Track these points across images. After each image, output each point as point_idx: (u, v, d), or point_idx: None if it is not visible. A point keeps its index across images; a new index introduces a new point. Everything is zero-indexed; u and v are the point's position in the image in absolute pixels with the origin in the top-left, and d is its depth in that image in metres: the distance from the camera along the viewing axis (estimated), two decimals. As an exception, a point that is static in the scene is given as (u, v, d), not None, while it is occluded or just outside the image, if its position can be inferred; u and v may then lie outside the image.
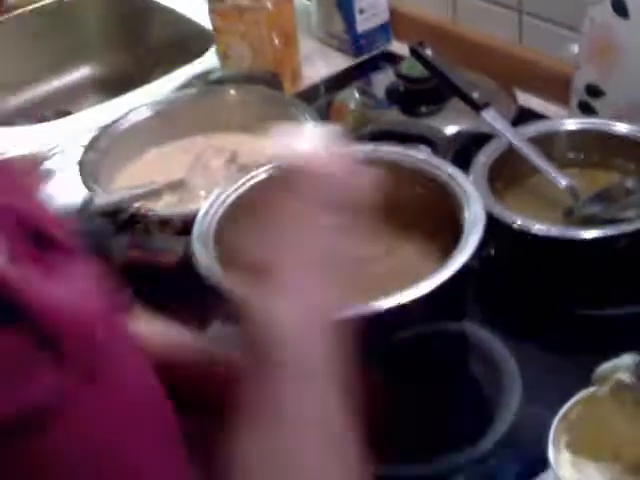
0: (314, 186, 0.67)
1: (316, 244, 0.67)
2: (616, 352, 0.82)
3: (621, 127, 1.07)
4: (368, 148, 0.98)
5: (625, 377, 0.75)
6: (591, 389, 0.78)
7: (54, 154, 1.28)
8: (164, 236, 1.00)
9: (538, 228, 0.95)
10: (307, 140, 0.70)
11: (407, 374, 0.86)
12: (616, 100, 1.15)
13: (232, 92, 1.23)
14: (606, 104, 1.16)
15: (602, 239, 0.93)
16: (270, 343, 0.61)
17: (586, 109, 1.18)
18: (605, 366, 0.78)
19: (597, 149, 1.08)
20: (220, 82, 1.24)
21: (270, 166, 0.96)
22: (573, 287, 0.99)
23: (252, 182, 0.96)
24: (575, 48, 1.20)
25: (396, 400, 0.86)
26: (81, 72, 1.74)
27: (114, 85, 1.62)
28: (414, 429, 0.86)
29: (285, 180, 0.67)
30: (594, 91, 1.16)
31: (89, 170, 1.12)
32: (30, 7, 1.68)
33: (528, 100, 1.28)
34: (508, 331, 0.95)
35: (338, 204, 0.68)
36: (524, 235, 0.95)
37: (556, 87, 1.25)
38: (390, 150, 0.96)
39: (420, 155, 0.96)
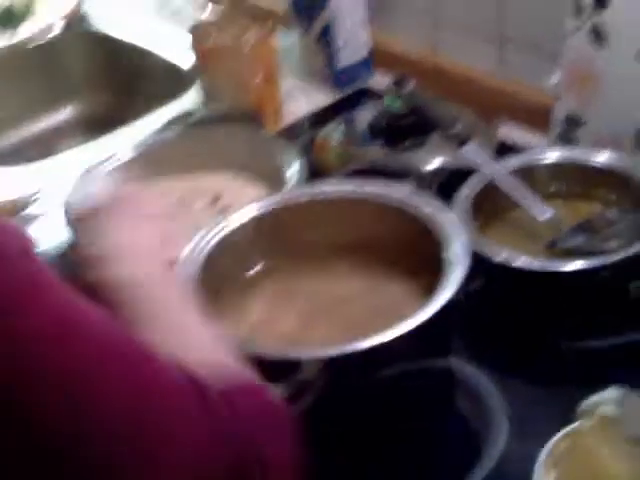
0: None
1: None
2: (602, 384, 0.82)
3: (602, 157, 1.08)
4: (351, 186, 0.98)
5: (610, 411, 0.75)
6: (577, 423, 0.78)
7: (37, 198, 1.29)
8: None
9: (521, 261, 0.95)
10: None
11: (393, 411, 0.86)
12: (597, 130, 1.15)
13: (215, 131, 1.23)
14: (587, 134, 1.16)
15: (585, 271, 0.94)
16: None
17: (567, 139, 1.19)
18: (590, 400, 0.78)
19: (579, 180, 1.09)
20: (203, 121, 1.24)
21: (252, 208, 0.97)
22: (557, 319, 0.99)
23: (235, 224, 0.96)
24: (555, 78, 1.21)
25: (383, 437, 0.86)
26: (65, 112, 1.74)
27: (98, 125, 1.62)
28: (401, 466, 0.86)
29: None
30: (575, 121, 1.17)
31: (73, 212, 1.12)
32: (14, 48, 1.68)
33: (509, 131, 1.29)
34: (494, 365, 0.95)
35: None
36: (508, 269, 0.96)
37: (537, 118, 1.26)
38: (372, 188, 0.97)
39: (403, 191, 0.96)
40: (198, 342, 0.71)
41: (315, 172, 1.19)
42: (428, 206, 0.93)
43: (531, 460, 0.78)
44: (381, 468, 0.86)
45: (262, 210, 0.97)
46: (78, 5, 1.75)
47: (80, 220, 0.86)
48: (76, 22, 1.74)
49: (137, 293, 0.74)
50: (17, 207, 1.28)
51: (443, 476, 0.88)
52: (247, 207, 0.98)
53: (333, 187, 0.99)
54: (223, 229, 0.95)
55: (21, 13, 1.71)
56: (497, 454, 0.86)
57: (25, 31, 1.68)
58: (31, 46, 1.69)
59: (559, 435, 0.78)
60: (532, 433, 0.84)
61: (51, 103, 1.72)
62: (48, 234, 1.21)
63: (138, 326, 0.69)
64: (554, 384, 0.93)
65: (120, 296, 0.73)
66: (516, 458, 0.85)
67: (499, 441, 0.86)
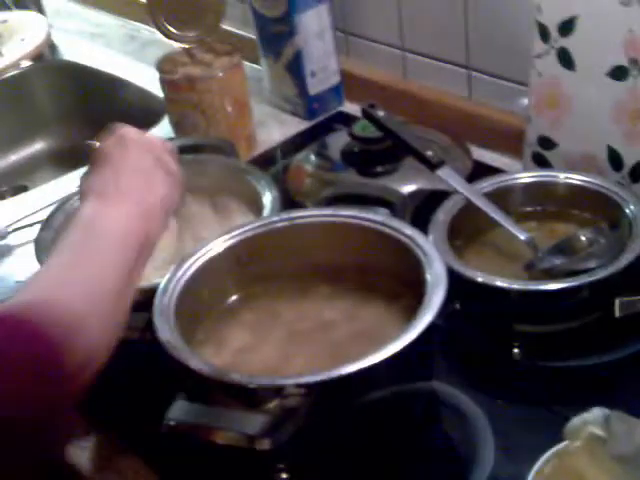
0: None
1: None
2: (586, 403, 0.82)
3: (575, 178, 1.08)
4: (327, 212, 0.98)
5: (597, 431, 0.75)
6: (564, 443, 0.78)
7: (10, 232, 1.28)
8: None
9: (502, 282, 0.95)
10: None
11: (376, 437, 0.85)
12: (569, 151, 1.16)
13: (188, 161, 1.22)
14: (559, 155, 1.17)
15: (566, 290, 0.94)
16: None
17: (540, 161, 1.19)
18: (576, 420, 0.78)
19: (553, 201, 1.09)
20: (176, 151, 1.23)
21: (228, 237, 0.97)
22: (539, 340, 0.99)
23: (212, 253, 0.96)
24: (525, 101, 1.21)
25: (366, 463, 0.85)
26: (36, 146, 1.74)
27: (69, 158, 1.61)
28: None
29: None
30: (546, 143, 1.18)
31: (45, 247, 1.11)
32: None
33: (482, 155, 1.30)
34: (477, 387, 0.95)
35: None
36: (489, 289, 0.96)
37: (509, 141, 1.27)
38: (349, 214, 0.97)
39: (378, 217, 0.96)
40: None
41: (289, 199, 1.19)
42: (404, 232, 0.93)
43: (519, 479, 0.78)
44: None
45: (239, 238, 0.97)
46: (47, 38, 1.74)
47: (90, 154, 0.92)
48: (45, 54, 1.74)
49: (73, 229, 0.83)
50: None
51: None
52: (224, 235, 0.97)
53: (310, 212, 0.99)
54: (200, 258, 0.95)
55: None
56: (484, 476, 0.85)
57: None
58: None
59: (547, 455, 0.77)
60: (518, 454, 0.84)
61: (21, 136, 1.71)
62: (22, 266, 1.21)
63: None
64: (538, 404, 0.93)
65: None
66: (505, 478, 0.84)
67: (486, 463, 0.86)
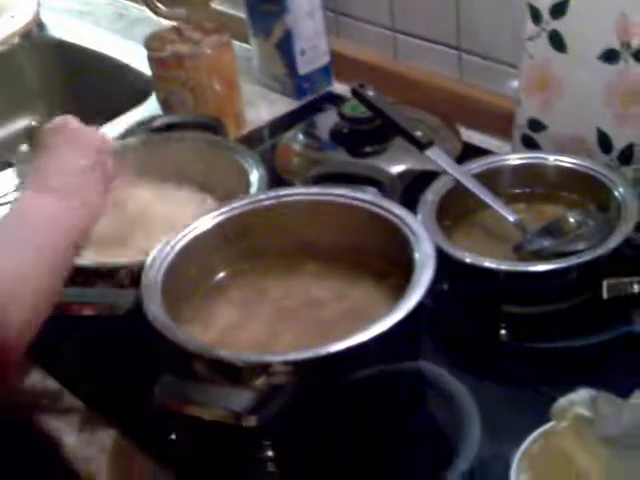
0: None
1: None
2: (573, 385, 0.82)
3: (564, 160, 1.08)
4: (315, 190, 0.98)
5: (584, 411, 0.75)
6: (551, 424, 0.78)
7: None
8: (111, 289, 0.99)
9: (491, 262, 0.95)
10: None
11: (363, 415, 0.85)
12: (558, 133, 1.16)
13: (176, 138, 1.21)
14: (548, 138, 1.17)
15: (554, 271, 0.94)
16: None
17: (529, 143, 1.19)
18: (562, 401, 0.78)
19: (542, 183, 1.09)
20: (164, 129, 1.23)
21: (216, 214, 0.96)
22: (526, 321, 0.99)
23: (200, 230, 0.95)
24: (515, 83, 1.21)
25: (353, 442, 0.85)
26: (22, 123, 1.72)
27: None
28: (372, 470, 0.85)
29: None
30: (536, 125, 1.18)
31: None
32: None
33: (472, 136, 1.29)
34: (464, 367, 0.95)
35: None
36: (477, 269, 0.96)
37: (499, 122, 1.26)
38: (337, 192, 0.96)
39: (367, 196, 0.95)
40: None
41: (277, 179, 1.19)
42: (393, 211, 0.93)
43: (505, 461, 0.78)
44: (352, 472, 0.85)
45: (227, 215, 0.96)
46: (36, 16, 1.73)
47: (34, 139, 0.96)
48: (33, 31, 1.72)
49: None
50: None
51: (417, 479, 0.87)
52: (211, 213, 0.97)
53: (298, 190, 0.98)
54: (187, 235, 0.94)
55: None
56: (471, 456, 0.85)
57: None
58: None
59: (533, 435, 0.77)
60: (505, 434, 0.84)
61: (10, 112, 1.70)
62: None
63: None
64: (525, 385, 0.93)
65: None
66: (490, 460, 0.84)
67: (472, 443, 0.86)
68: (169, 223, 1.03)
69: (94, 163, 0.94)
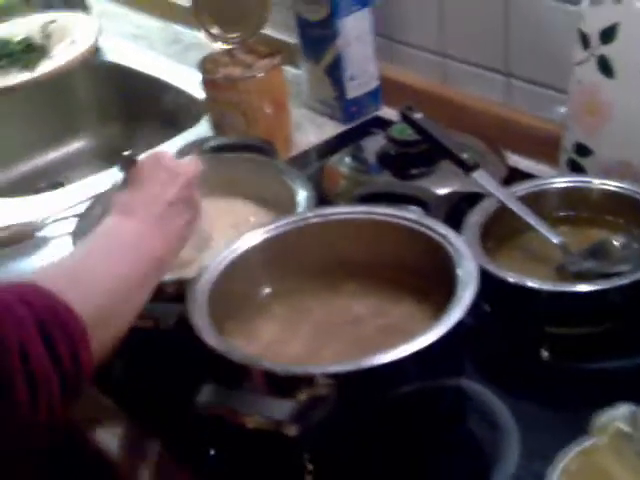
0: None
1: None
2: (611, 406, 0.81)
3: (609, 184, 1.09)
4: (360, 209, 0.99)
5: (624, 427, 0.75)
6: (590, 440, 0.78)
7: (48, 224, 1.29)
8: (157, 303, 1.00)
9: (534, 282, 0.95)
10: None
11: (402, 430, 0.86)
12: (605, 158, 1.16)
13: (227, 159, 1.24)
14: (595, 163, 1.17)
15: (597, 292, 0.94)
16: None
17: (575, 168, 1.19)
18: (602, 417, 0.78)
19: (586, 206, 1.09)
20: (215, 150, 1.25)
21: (263, 231, 0.98)
22: (568, 341, 0.99)
23: (246, 247, 0.97)
24: (562, 109, 1.22)
25: (391, 456, 0.86)
26: (75, 145, 1.76)
27: (108, 157, 1.64)
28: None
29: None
30: (583, 150, 1.18)
31: (81, 239, 1.12)
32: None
33: (518, 161, 1.30)
34: (504, 386, 0.95)
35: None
36: (520, 289, 0.96)
37: (544, 148, 1.27)
38: (382, 211, 0.97)
39: (412, 215, 0.96)
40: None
41: (324, 201, 1.20)
42: (437, 230, 0.94)
43: (544, 478, 0.78)
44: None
45: (272, 232, 0.98)
46: (95, 43, 1.75)
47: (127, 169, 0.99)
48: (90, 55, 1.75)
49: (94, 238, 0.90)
50: (32, 229, 1.29)
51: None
52: (258, 229, 0.98)
53: (344, 209, 1.00)
54: (234, 252, 0.96)
55: (40, 48, 1.72)
56: (508, 474, 0.85)
57: (43, 69, 1.68)
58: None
59: (572, 452, 0.77)
60: (543, 453, 0.84)
61: (63, 134, 1.74)
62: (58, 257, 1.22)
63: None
64: (565, 406, 0.93)
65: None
66: (529, 476, 0.84)
67: (511, 461, 0.86)
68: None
69: (181, 196, 0.96)
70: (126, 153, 1.03)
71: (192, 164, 1.02)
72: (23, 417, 0.72)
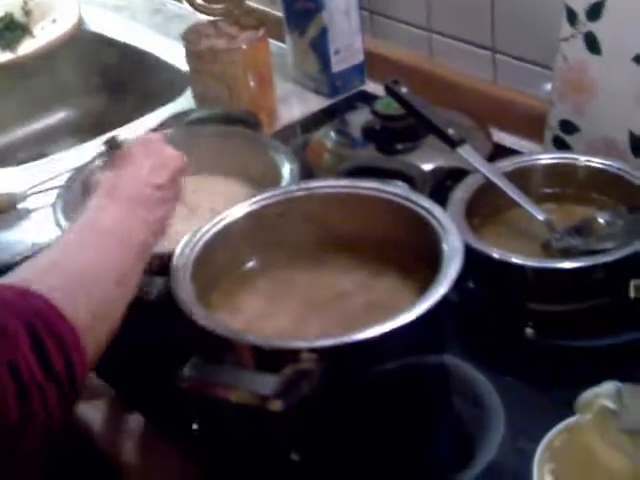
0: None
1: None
2: (596, 383, 0.82)
3: (595, 161, 1.08)
4: (345, 183, 0.98)
5: (608, 404, 0.75)
6: (574, 417, 0.78)
7: (30, 195, 1.29)
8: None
9: (517, 259, 0.95)
10: None
11: (386, 407, 0.85)
12: (590, 136, 1.16)
13: (210, 132, 1.23)
14: (581, 140, 1.17)
15: (582, 269, 0.94)
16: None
17: (561, 145, 1.19)
18: (587, 394, 0.78)
19: (572, 183, 1.09)
20: (198, 122, 1.24)
21: (247, 204, 0.97)
22: (552, 319, 0.99)
23: (229, 220, 0.96)
24: (548, 86, 1.21)
25: (375, 433, 0.86)
26: (57, 116, 1.75)
27: (91, 129, 1.62)
28: (394, 463, 0.86)
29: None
30: (568, 127, 1.18)
31: (62, 210, 1.11)
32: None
33: (503, 138, 1.29)
34: (488, 363, 0.95)
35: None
36: (504, 265, 0.96)
37: (530, 124, 1.27)
38: (367, 185, 0.97)
39: (397, 189, 0.96)
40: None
41: (308, 174, 1.19)
42: (422, 204, 0.93)
43: (528, 456, 0.78)
44: (374, 463, 0.85)
45: (257, 206, 0.97)
46: (77, 22, 1.73)
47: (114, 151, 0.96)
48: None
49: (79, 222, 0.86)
50: (14, 200, 1.28)
51: (438, 473, 0.87)
52: (242, 203, 0.98)
53: (329, 183, 0.99)
54: (217, 224, 0.95)
55: (21, 26, 1.70)
56: (494, 450, 0.85)
57: (25, 49, 1.67)
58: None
59: (556, 429, 0.77)
60: (528, 429, 0.84)
61: (45, 105, 1.72)
62: (39, 229, 1.23)
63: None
64: (549, 382, 0.93)
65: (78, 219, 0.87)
66: (513, 454, 0.85)
67: (496, 436, 0.86)
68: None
69: (169, 182, 0.93)
70: (113, 133, 1.02)
71: (180, 155, 0.98)
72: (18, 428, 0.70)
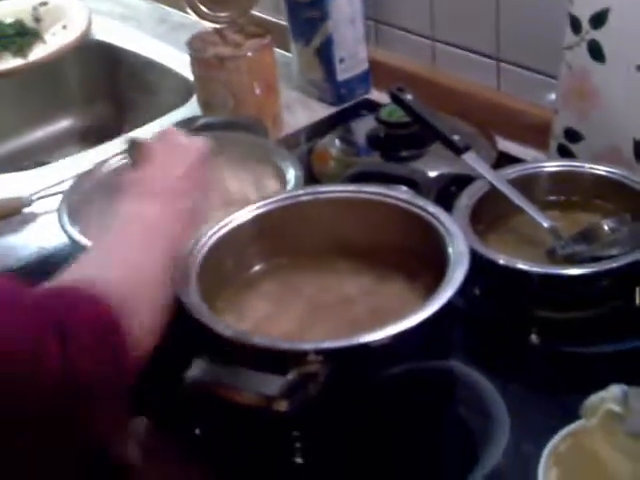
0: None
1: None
2: (602, 389, 0.82)
3: (600, 169, 1.09)
4: (351, 188, 0.99)
5: (614, 407, 0.75)
6: (580, 422, 0.78)
7: (35, 200, 1.29)
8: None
9: (523, 265, 0.95)
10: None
11: (391, 411, 0.85)
12: (595, 144, 1.16)
13: (216, 138, 1.22)
14: (585, 148, 1.17)
15: (587, 275, 0.94)
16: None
17: (566, 154, 1.19)
18: (593, 398, 0.78)
19: (577, 191, 1.09)
20: (204, 129, 1.24)
21: (253, 208, 0.98)
22: (558, 325, 0.99)
23: (236, 223, 0.96)
24: (553, 94, 1.22)
25: (381, 438, 0.86)
26: (62, 124, 1.75)
27: (95, 136, 1.63)
28: (398, 466, 0.86)
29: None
30: (573, 135, 1.18)
31: (67, 214, 1.11)
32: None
33: (508, 146, 1.30)
34: (494, 369, 0.95)
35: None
36: (510, 272, 0.96)
37: (535, 133, 1.27)
38: (373, 190, 0.97)
39: (403, 194, 0.96)
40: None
41: (313, 182, 1.20)
42: (428, 210, 0.93)
43: (533, 462, 0.78)
44: (378, 466, 0.85)
45: (263, 209, 0.97)
46: (87, 28, 1.73)
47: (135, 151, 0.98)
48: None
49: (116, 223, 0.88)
50: (20, 205, 1.28)
51: (443, 476, 0.87)
52: (248, 206, 0.98)
53: (334, 188, 0.99)
54: (224, 227, 0.95)
55: (32, 32, 1.70)
56: (499, 455, 0.85)
57: (36, 55, 1.66)
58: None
59: (562, 433, 0.77)
60: (533, 435, 0.84)
61: (51, 112, 1.72)
62: (44, 234, 1.23)
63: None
64: (554, 388, 0.93)
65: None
66: (518, 460, 0.85)
67: (501, 441, 0.86)
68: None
69: (192, 170, 0.95)
70: (130, 135, 1.02)
71: (202, 141, 1.00)
72: None
